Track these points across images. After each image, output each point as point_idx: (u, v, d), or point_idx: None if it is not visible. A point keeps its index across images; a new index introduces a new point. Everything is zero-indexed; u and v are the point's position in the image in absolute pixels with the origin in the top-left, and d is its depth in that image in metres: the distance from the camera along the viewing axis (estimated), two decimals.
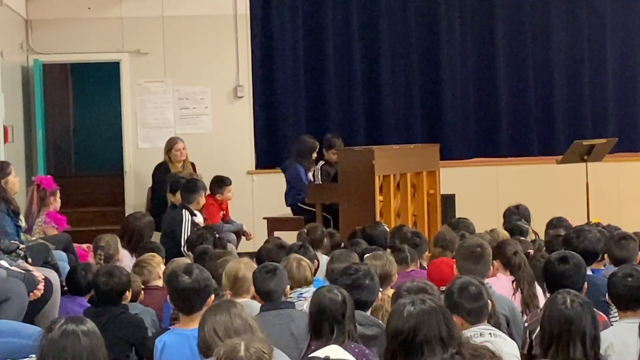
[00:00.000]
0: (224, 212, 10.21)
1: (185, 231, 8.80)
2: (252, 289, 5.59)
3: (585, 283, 5.36)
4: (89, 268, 6.55)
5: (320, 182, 10.54)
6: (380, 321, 5.06)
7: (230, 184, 10.17)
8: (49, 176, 8.47)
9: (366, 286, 5.11)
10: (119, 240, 7.68)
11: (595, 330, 4.21)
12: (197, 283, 4.88)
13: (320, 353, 3.60)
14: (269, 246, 7.36)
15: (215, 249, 7.45)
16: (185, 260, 6.66)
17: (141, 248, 7.70)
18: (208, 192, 9.78)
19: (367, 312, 5.13)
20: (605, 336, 4.75)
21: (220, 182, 10.13)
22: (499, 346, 4.33)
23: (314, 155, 10.89)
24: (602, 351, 4.49)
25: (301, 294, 5.92)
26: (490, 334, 4.67)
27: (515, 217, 8.29)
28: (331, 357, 3.53)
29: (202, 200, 9.26)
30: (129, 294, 5.99)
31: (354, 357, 3.82)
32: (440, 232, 7.80)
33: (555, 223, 7.91)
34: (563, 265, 5.32)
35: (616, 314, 5.59)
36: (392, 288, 5.97)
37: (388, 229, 8.30)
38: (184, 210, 8.97)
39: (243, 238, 10.15)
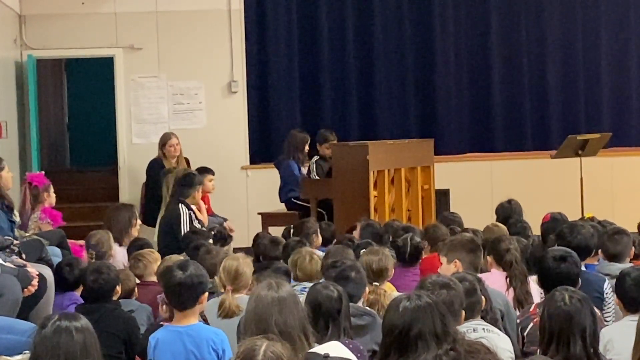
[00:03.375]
0: (206, 205, 10.11)
1: (184, 226, 8.71)
2: (250, 284, 5.59)
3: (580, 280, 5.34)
4: (76, 263, 6.51)
5: (317, 177, 10.51)
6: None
7: (213, 174, 9.95)
8: (40, 172, 8.42)
9: (352, 279, 5.10)
10: (111, 236, 7.62)
11: (595, 326, 4.20)
12: (191, 279, 4.85)
13: (320, 349, 3.56)
14: (264, 242, 7.34)
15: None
16: (180, 258, 6.62)
17: (130, 244, 7.69)
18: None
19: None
20: (606, 332, 4.75)
21: (202, 171, 9.86)
22: (493, 342, 4.34)
23: (306, 148, 10.86)
24: (601, 347, 4.49)
25: (305, 287, 5.89)
26: (483, 329, 4.67)
27: (511, 214, 8.28)
28: (332, 355, 3.48)
29: (198, 195, 9.05)
30: (119, 289, 5.97)
31: None
32: (430, 227, 7.77)
33: (555, 217, 7.86)
34: (561, 264, 5.28)
35: (609, 310, 5.60)
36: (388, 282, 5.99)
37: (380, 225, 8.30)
38: (180, 205, 8.79)
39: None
